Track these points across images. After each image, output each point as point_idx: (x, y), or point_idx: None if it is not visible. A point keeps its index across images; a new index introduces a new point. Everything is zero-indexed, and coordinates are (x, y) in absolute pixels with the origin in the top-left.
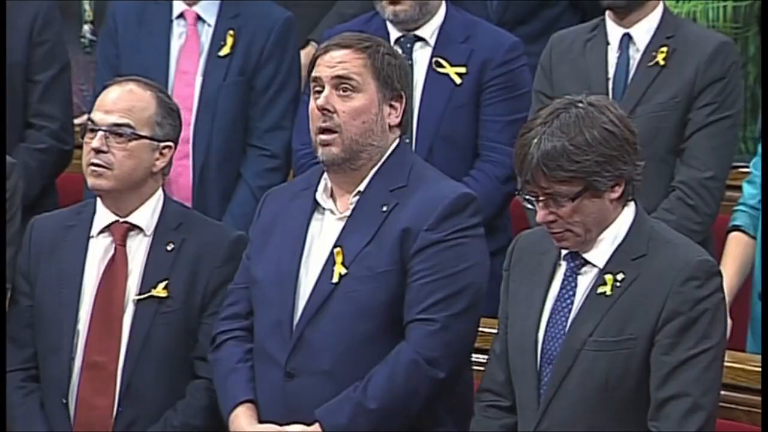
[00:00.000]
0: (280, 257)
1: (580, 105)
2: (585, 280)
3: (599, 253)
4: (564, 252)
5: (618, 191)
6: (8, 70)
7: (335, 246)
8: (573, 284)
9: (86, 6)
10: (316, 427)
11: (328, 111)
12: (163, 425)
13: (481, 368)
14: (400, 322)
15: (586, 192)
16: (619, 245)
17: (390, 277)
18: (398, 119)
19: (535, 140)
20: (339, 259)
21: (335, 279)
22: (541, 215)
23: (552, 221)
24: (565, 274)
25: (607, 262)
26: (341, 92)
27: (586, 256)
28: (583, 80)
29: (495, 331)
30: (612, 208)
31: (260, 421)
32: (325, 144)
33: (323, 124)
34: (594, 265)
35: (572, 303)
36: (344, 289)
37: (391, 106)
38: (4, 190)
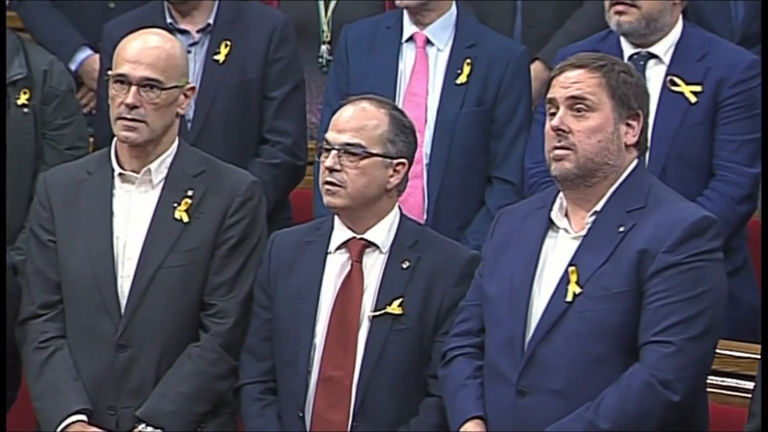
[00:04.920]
0: (513, 275)
1: None
2: None
3: None
4: None
5: None
6: (245, 87)
7: (570, 265)
8: None
9: (324, 27)
10: None
11: (563, 131)
12: None
13: (717, 391)
14: (633, 344)
15: None
16: None
17: (625, 298)
18: (635, 138)
19: None
20: (573, 278)
21: (569, 298)
22: None
23: None
24: None
25: None
26: (576, 112)
27: None
28: None
29: (732, 353)
30: None
31: None
32: (559, 159)
33: (558, 144)
34: None
35: None
36: (578, 308)
37: (627, 124)
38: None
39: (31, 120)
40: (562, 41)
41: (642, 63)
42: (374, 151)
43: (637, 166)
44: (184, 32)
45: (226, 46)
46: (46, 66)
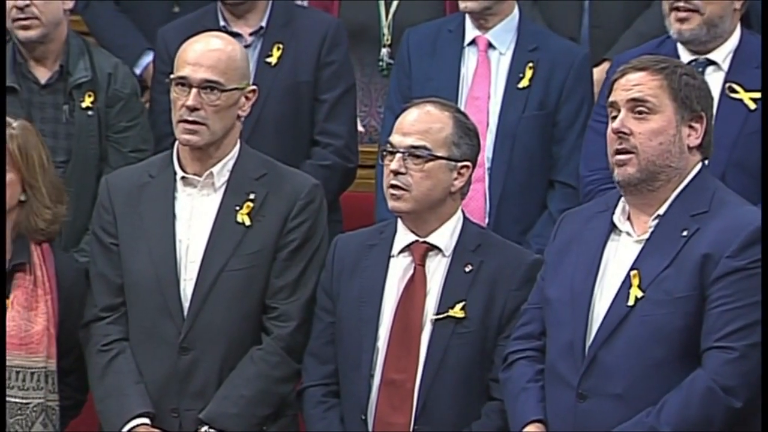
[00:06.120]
0: (575, 278)
1: None
2: None
3: None
4: None
5: None
6: (297, 89)
7: (632, 268)
8: None
9: (384, 30)
10: None
11: (624, 134)
12: None
13: None
14: (695, 349)
15: None
16: None
17: (688, 303)
18: (698, 140)
19: None
20: (636, 281)
21: (631, 302)
22: None
23: None
24: None
25: None
26: (637, 114)
27: None
28: None
29: None
30: None
31: None
32: (621, 164)
33: (619, 146)
34: None
35: None
36: (640, 312)
37: (690, 127)
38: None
39: (96, 122)
40: (630, 42)
41: (700, 69)
42: (439, 154)
43: (701, 170)
44: (236, 35)
45: (279, 48)
46: (110, 69)
